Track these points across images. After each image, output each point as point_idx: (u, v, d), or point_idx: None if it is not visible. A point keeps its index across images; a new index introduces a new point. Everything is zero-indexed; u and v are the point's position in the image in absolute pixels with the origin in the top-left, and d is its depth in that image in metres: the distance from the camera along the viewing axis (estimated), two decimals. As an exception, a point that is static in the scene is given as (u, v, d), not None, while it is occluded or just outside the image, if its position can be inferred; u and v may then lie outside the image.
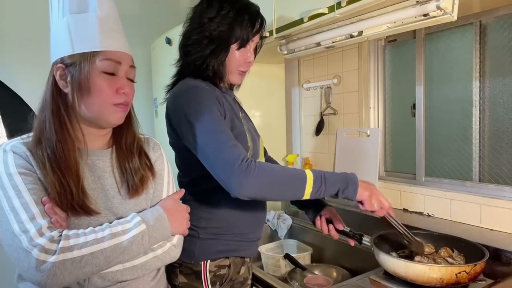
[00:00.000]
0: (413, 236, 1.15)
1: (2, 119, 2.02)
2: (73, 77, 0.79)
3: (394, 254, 1.20)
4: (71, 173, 0.79)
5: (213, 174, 0.96)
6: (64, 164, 0.78)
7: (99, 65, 0.79)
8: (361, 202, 1.00)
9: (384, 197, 1.02)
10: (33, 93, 2.04)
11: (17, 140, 0.81)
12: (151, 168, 0.94)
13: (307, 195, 0.95)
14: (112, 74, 0.81)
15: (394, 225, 1.10)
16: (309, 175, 0.95)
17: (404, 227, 1.12)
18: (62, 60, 0.80)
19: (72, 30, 0.80)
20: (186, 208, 0.95)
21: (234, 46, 1.07)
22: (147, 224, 0.81)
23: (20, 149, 0.78)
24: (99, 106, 0.81)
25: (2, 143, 0.81)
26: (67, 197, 0.77)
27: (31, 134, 0.83)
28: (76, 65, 0.79)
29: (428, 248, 1.19)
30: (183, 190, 1.01)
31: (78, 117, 0.83)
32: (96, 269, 0.74)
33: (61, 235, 0.72)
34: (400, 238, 1.16)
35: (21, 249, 0.70)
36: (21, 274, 0.82)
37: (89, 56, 0.79)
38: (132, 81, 0.87)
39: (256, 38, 1.12)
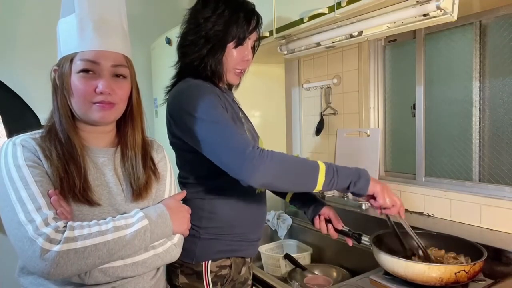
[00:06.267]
0: (422, 244, 1.14)
1: (2, 119, 2.01)
2: (59, 79, 0.83)
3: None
4: (76, 163, 0.81)
5: (222, 163, 0.94)
6: (69, 155, 0.81)
7: (76, 65, 0.81)
8: (373, 197, 0.99)
9: (396, 195, 1.01)
10: (33, 94, 2.05)
11: (26, 135, 0.84)
12: (155, 171, 0.95)
13: (319, 186, 0.93)
14: (93, 73, 0.82)
15: (401, 227, 1.10)
16: (322, 165, 0.94)
17: (414, 233, 1.12)
18: (57, 63, 0.85)
19: (60, 34, 0.85)
20: (187, 209, 0.95)
21: (231, 45, 1.07)
22: (150, 220, 0.82)
23: (29, 143, 0.81)
24: (79, 105, 0.82)
25: (12, 137, 0.84)
26: (70, 183, 0.79)
27: (40, 130, 0.85)
28: (60, 67, 0.83)
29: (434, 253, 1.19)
30: (185, 192, 1.01)
31: (75, 115, 0.85)
32: (98, 261, 0.75)
33: (66, 226, 0.74)
34: (401, 242, 1.16)
35: (26, 238, 0.71)
36: (24, 266, 0.83)
37: (69, 58, 0.82)
38: (124, 77, 0.86)
39: (253, 36, 1.12)
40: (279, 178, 0.92)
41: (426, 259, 1.14)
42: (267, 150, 0.92)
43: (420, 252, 1.15)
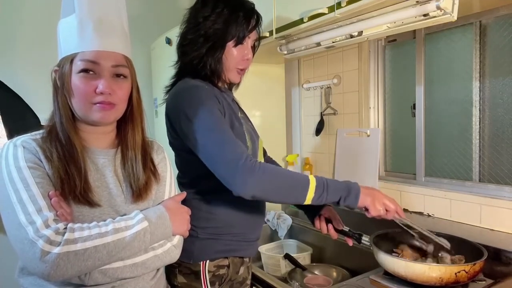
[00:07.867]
0: (435, 235, 1.12)
1: (2, 119, 2.01)
2: (59, 79, 0.83)
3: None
4: (76, 163, 0.81)
5: (216, 172, 0.96)
6: (70, 156, 0.81)
7: (76, 66, 0.81)
8: (365, 209, 1.00)
9: (389, 198, 1.01)
10: (34, 94, 2.05)
11: (27, 136, 0.84)
12: (155, 172, 0.95)
13: (308, 200, 0.95)
14: (93, 73, 0.82)
15: (409, 226, 1.09)
16: (312, 180, 0.95)
17: (420, 227, 1.11)
18: (58, 64, 0.85)
19: (61, 34, 0.85)
20: (187, 210, 0.95)
21: (230, 44, 1.08)
22: (150, 222, 0.83)
23: (30, 145, 0.81)
24: (79, 105, 0.83)
25: (13, 138, 0.84)
26: (70, 184, 0.79)
27: (41, 131, 0.86)
28: (61, 68, 0.83)
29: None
30: (185, 193, 1.01)
31: (75, 116, 0.85)
32: (98, 263, 0.75)
33: (66, 228, 0.74)
34: (414, 239, 1.16)
35: (26, 240, 0.71)
36: (24, 267, 0.83)
37: (69, 58, 0.82)
38: (125, 77, 0.86)
39: (253, 35, 1.12)
40: (268, 192, 0.94)
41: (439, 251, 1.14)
42: (260, 162, 0.94)
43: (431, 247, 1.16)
